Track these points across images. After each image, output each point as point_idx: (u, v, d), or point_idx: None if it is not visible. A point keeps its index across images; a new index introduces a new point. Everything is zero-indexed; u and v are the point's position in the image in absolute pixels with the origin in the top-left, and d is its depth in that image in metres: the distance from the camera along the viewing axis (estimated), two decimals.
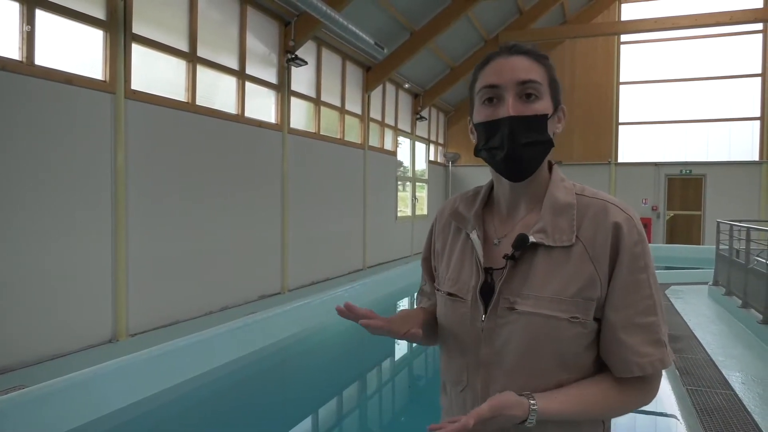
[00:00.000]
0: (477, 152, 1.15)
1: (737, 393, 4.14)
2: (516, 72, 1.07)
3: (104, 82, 5.10)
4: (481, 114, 1.11)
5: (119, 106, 5.17)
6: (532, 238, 1.05)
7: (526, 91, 1.07)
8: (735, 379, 4.48)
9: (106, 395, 4.19)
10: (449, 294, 1.17)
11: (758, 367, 4.85)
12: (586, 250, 1.05)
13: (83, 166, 4.91)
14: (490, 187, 1.22)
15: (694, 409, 3.78)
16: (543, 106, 1.08)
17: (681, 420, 3.60)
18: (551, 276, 1.05)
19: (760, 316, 6.02)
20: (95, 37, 5.09)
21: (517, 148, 1.06)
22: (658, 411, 3.71)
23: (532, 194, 1.14)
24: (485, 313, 1.09)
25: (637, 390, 1.06)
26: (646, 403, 1.08)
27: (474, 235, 1.14)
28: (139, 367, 4.56)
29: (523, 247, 1.06)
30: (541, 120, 1.07)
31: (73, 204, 4.82)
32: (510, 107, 1.05)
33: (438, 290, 1.23)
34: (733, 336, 6.00)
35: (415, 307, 1.37)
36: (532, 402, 1.00)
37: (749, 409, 3.80)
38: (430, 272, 1.32)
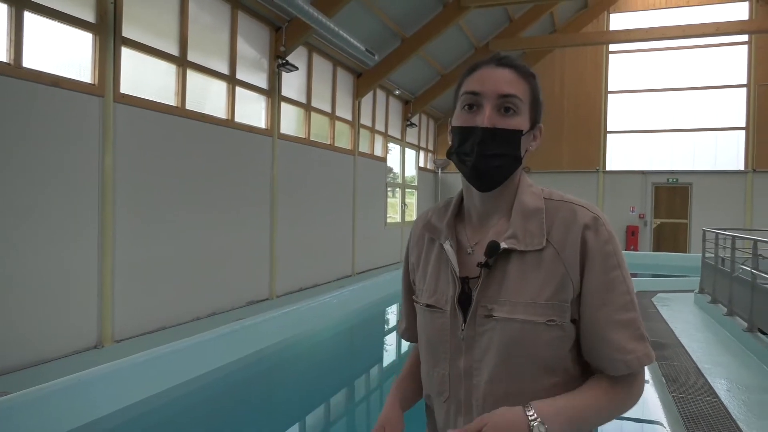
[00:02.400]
0: (449, 155, 1.16)
1: (723, 400, 4.18)
2: (499, 84, 1.08)
3: (93, 85, 5.07)
4: (459, 119, 1.12)
5: (108, 109, 5.14)
6: (503, 244, 1.06)
7: (505, 104, 1.08)
8: (720, 387, 4.52)
9: (91, 401, 4.14)
10: (428, 305, 1.17)
11: (743, 375, 4.90)
12: (557, 253, 1.06)
13: (70, 170, 4.86)
14: (461, 197, 1.23)
15: (680, 417, 3.81)
16: (518, 122, 1.09)
17: (667, 427, 3.62)
18: (525, 281, 1.06)
19: (745, 324, 6.08)
20: (84, 39, 5.05)
21: (485, 158, 1.07)
22: (644, 418, 3.73)
23: (502, 201, 1.15)
24: (464, 322, 1.09)
25: (625, 389, 1.07)
26: (634, 403, 1.09)
27: (447, 246, 1.14)
28: (125, 374, 4.51)
29: (495, 254, 1.06)
30: (515, 135, 1.08)
31: (59, 207, 4.77)
32: (486, 118, 1.07)
33: (416, 302, 1.23)
34: (719, 343, 6.06)
35: (399, 334, 1.40)
36: (530, 415, 0.98)
37: (734, 417, 3.84)
38: (408, 287, 1.32)
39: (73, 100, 4.84)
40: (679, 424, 3.68)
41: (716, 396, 4.28)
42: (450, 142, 1.17)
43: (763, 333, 5.77)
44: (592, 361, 1.08)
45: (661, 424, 3.68)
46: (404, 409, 1.25)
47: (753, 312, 5.92)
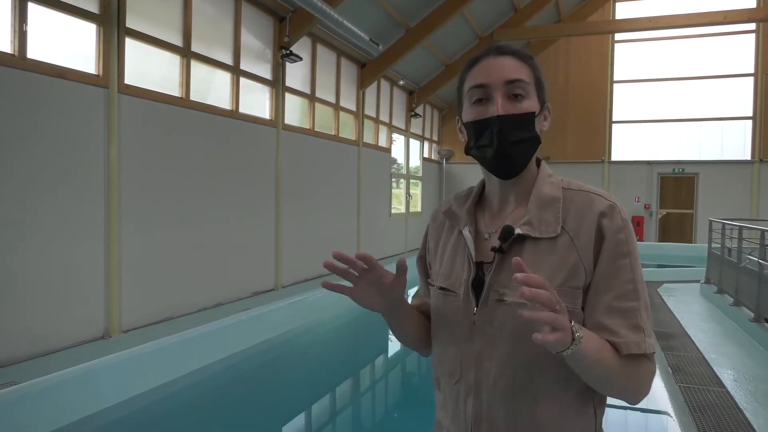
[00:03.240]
0: (467, 151, 1.19)
1: (729, 390, 4.17)
2: (504, 71, 1.11)
3: (97, 76, 5.06)
4: (470, 113, 1.14)
5: (112, 100, 5.13)
6: (518, 230, 1.09)
7: (514, 90, 1.10)
8: (727, 377, 4.51)
9: (99, 392, 4.17)
10: (441, 288, 1.20)
11: (750, 365, 4.89)
12: (572, 241, 1.07)
13: (76, 161, 4.87)
14: (482, 186, 1.26)
15: (686, 406, 3.80)
16: (530, 104, 1.12)
17: (674, 417, 3.62)
18: (538, 266, 1.06)
19: (752, 314, 6.06)
20: (88, 31, 5.04)
21: (507, 146, 1.10)
22: (651, 408, 3.73)
23: (521, 190, 1.17)
24: (477, 305, 1.12)
25: (631, 366, 1.03)
26: (640, 389, 1.05)
27: (466, 231, 1.18)
28: (133, 364, 4.54)
29: (509, 239, 1.08)
30: (529, 118, 1.11)
31: (65, 199, 4.78)
32: (499, 106, 1.09)
33: (431, 285, 1.26)
34: (725, 334, 6.04)
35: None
36: (576, 331, 0.93)
37: (741, 407, 3.83)
38: (424, 270, 1.36)
39: (77, 91, 4.84)
40: (686, 413, 3.68)
41: (723, 386, 4.27)
42: (463, 139, 1.19)
43: None
44: None
45: (668, 414, 3.68)
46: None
47: (760, 302, 5.90)
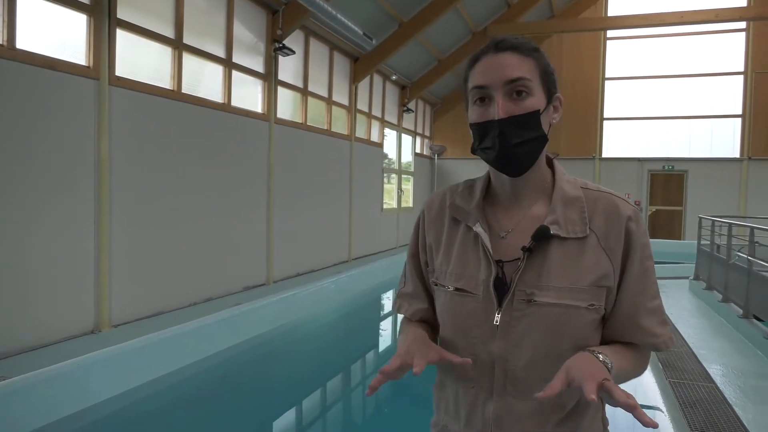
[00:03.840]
0: (473, 151, 1.15)
1: (719, 386, 4.21)
2: (503, 70, 1.06)
3: (88, 67, 4.99)
4: (473, 114, 1.11)
5: (103, 92, 5.07)
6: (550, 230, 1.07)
7: (515, 88, 1.06)
8: (716, 372, 4.56)
9: (89, 387, 4.13)
10: (456, 289, 1.14)
11: (738, 361, 4.94)
12: (599, 242, 1.08)
13: (66, 154, 4.81)
14: (488, 180, 1.21)
15: (677, 402, 3.84)
16: (534, 101, 1.07)
17: (665, 412, 3.65)
18: (568, 266, 1.06)
19: (740, 311, 6.13)
20: (79, 21, 4.97)
21: (509, 148, 1.06)
22: (643, 403, 3.75)
23: (534, 187, 1.14)
24: (499, 306, 1.08)
25: (645, 356, 1.16)
26: (645, 370, 1.19)
27: (479, 228, 1.12)
28: (123, 359, 4.50)
29: (543, 239, 1.07)
30: (533, 117, 1.07)
31: (55, 192, 4.72)
32: (500, 108, 1.05)
33: (439, 286, 1.19)
34: (714, 330, 6.10)
35: (398, 314, 1.32)
36: (605, 360, 0.99)
37: (730, 402, 3.87)
38: (419, 269, 1.27)
39: (67, 82, 4.77)
40: (677, 409, 3.71)
41: (712, 381, 4.31)
42: (472, 138, 1.15)
43: (758, 319, 5.81)
44: (618, 339, 1.12)
45: (660, 410, 3.71)
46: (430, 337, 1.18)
47: (748, 298, 5.96)
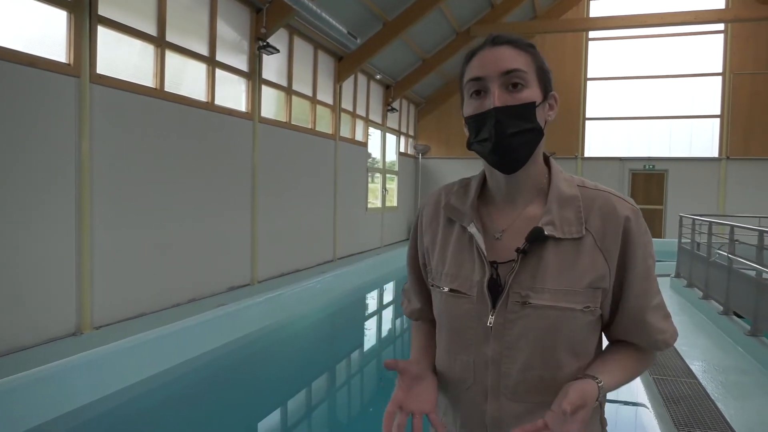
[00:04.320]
0: (469, 146, 1.13)
1: (701, 381, 4.28)
2: (500, 62, 1.06)
3: (68, 65, 4.90)
4: (469, 107, 1.09)
5: (84, 90, 4.98)
6: (545, 231, 1.05)
7: (511, 80, 1.05)
8: (698, 368, 4.63)
9: (71, 390, 4.06)
10: (451, 290, 1.13)
11: (719, 357, 5.02)
12: (595, 242, 1.06)
13: (46, 153, 4.71)
14: (483, 179, 1.20)
15: (661, 398, 3.89)
16: (530, 94, 1.06)
17: (650, 408, 3.70)
18: (563, 268, 1.05)
19: (721, 307, 6.23)
20: (59, 18, 4.88)
21: (505, 138, 1.04)
22: (627, 400, 3.80)
23: (529, 186, 1.12)
24: (493, 308, 1.07)
25: (648, 357, 1.17)
26: (650, 365, 1.21)
27: (473, 229, 1.11)
28: (106, 361, 4.43)
29: (537, 241, 1.05)
30: (529, 108, 1.06)
31: (35, 192, 4.62)
32: (496, 98, 1.04)
33: (435, 286, 1.19)
34: (695, 326, 6.19)
35: (408, 315, 1.36)
36: (598, 381, 1.02)
37: (713, 397, 3.93)
38: (417, 269, 1.28)
39: (47, 80, 4.68)
40: (661, 404, 3.76)
41: (695, 377, 4.38)
42: (467, 134, 1.13)
43: (739, 316, 5.91)
44: (626, 338, 1.14)
45: (645, 406, 3.76)
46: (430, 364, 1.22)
47: (729, 295, 6.06)
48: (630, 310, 1.10)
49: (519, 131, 1.05)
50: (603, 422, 1.16)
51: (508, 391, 1.07)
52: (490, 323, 1.07)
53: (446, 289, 1.14)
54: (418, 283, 1.28)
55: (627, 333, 1.12)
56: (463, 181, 1.23)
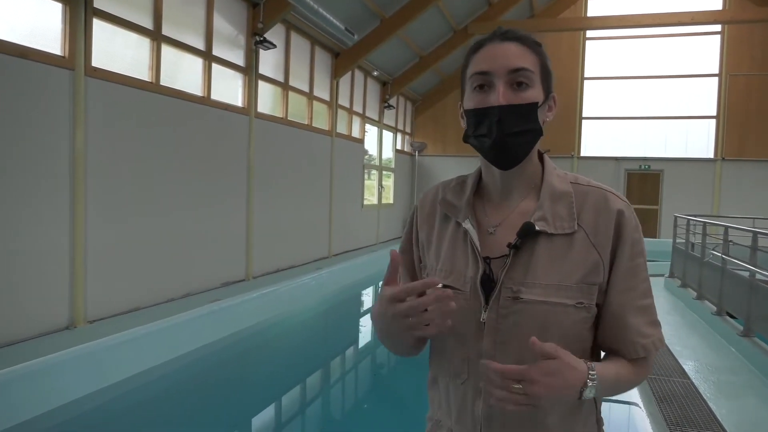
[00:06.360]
0: (466, 139, 1.13)
1: (693, 381, 4.29)
2: (508, 59, 1.05)
3: (63, 57, 4.87)
4: (471, 100, 1.09)
5: (79, 83, 4.95)
6: (536, 226, 1.05)
7: (517, 79, 1.05)
8: (690, 368, 4.65)
9: (64, 384, 4.04)
10: (445, 286, 1.12)
11: (712, 357, 5.05)
12: (588, 237, 1.06)
13: (40, 146, 4.68)
14: (479, 175, 1.20)
15: (653, 397, 3.90)
16: (534, 94, 1.06)
17: (642, 407, 3.71)
18: (555, 263, 1.05)
19: (714, 308, 6.26)
20: (54, 10, 4.84)
21: (506, 136, 1.05)
22: (620, 399, 3.81)
23: (524, 182, 1.13)
24: (486, 303, 1.07)
25: (643, 368, 1.11)
26: (642, 382, 1.15)
27: (468, 224, 1.11)
28: (99, 355, 4.42)
29: (528, 236, 1.05)
30: (532, 108, 1.06)
31: (28, 185, 4.59)
32: (501, 95, 1.04)
33: None
34: (688, 326, 6.22)
35: None
36: (590, 368, 0.96)
37: (705, 397, 3.95)
38: (410, 264, 1.28)
39: (42, 73, 4.65)
40: (653, 403, 3.78)
41: (687, 377, 4.40)
42: (464, 126, 1.13)
43: (732, 316, 5.94)
44: (609, 343, 1.10)
45: (637, 404, 3.77)
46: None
47: (722, 296, 6.09)
48: (611, 307, 1.07)
49: (519, 131, 1.06)
50: (600, 422, 1.15)
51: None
52: (483, 319, 1.07)
53: (440, 285, 1.14)
54: (409, 279, 1.27)
55: (609, 336, 1.09)
56: (461, 178, 1.23)
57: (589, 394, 0.96)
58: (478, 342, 1.08)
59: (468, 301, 1.09)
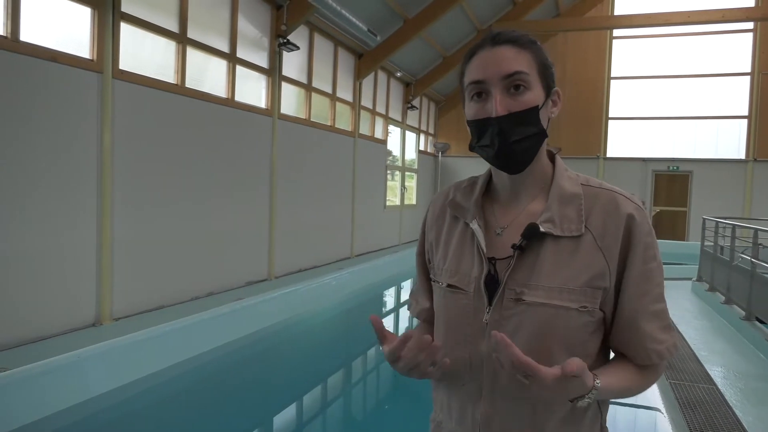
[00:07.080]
0: (471, 148, 1.13)
1: (719, 387, 4.19)
2: (501, 65, 1.03)
3: (91, 61, 4.99)
4: (470, 110, 1.08)
5: (106, 86, 5.07)
6: (541, 228, 1.04)
7: (513, 83, 1.03)
8: (717, 374, 4.54)
9: (89, 379, 4.14)
10: (449, 286, 1.13)
11: (740, 363, 4.92)
12: (595, 240, 1.04)
13: (68, 146, 4.81)
14: (489, 176, 1.20)
15: (677, 403, 3.82)
16: (532, 96, 1.04)
17: (665, 413, 3.64)
18: (560, 266, 1.03)
19: (743, 313, 6.10)
20: (83, 14, 4.97)
21: (509, 145, 1.04)
22: (642, 404, 3.75)
23: (533, 183, 1.12)
24: (489, 304, 1.06)
25: (653, 374, 1.10)
26: (649, 387, 1.12)
27: (475, 225, 1.11)
28: (124, 352, 4.51)
29: (533, 237, 1.04)
30: (532, 113, 1.04)
31: (57, 185, 4.72)
32: (497, 105, 1.02)
33: (435, 282, 1.19)
34: (716, 331, 6.08)
35: (411, 313, 1.35)
36: (595, 386, 0.96)
37: (731, 404, 3.85)
38: (424, 267, 1.28)
39: (71, 75, 4.77)
40: (677, 410, 3.70)
41: (713, 383, 4.30)
42: (470, 134, 1.13)
43: (761, 322, 5.79)
44: (621, 348, 1.09)
45: (660, 410, 3.70)
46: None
47: (751, 301, 5.93)
48: (624, 313, 1.05)
49: (521, 138, 1.04)
50: (604, 429, 1.13)
51: (501, 390, 1.06)
52: (485, 319, 1.06)
53: (444, 285, 1.15)
54: (427, 282, 1.28)
55: (621, 342, 1.08)
56: (473, 179, 1.23)
57: (581, 404, 0.95)
58: (480, 343, 1.08)
59: (471, 301, 1.09)
